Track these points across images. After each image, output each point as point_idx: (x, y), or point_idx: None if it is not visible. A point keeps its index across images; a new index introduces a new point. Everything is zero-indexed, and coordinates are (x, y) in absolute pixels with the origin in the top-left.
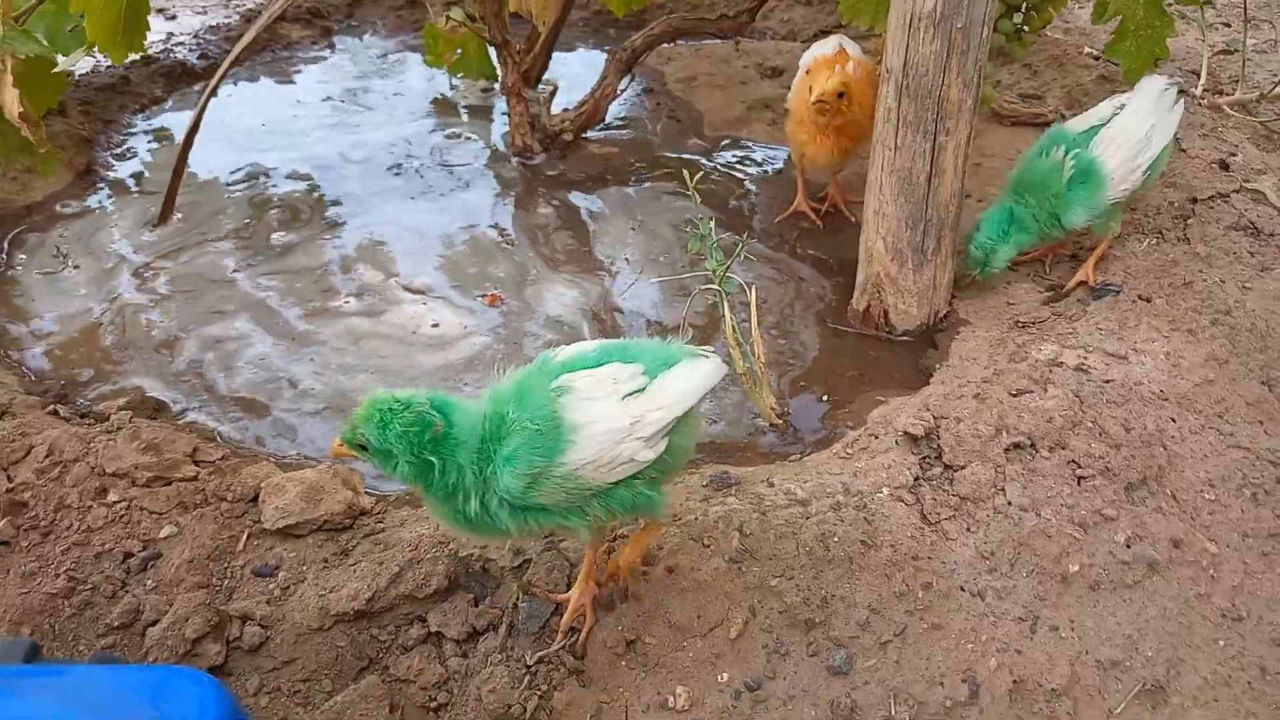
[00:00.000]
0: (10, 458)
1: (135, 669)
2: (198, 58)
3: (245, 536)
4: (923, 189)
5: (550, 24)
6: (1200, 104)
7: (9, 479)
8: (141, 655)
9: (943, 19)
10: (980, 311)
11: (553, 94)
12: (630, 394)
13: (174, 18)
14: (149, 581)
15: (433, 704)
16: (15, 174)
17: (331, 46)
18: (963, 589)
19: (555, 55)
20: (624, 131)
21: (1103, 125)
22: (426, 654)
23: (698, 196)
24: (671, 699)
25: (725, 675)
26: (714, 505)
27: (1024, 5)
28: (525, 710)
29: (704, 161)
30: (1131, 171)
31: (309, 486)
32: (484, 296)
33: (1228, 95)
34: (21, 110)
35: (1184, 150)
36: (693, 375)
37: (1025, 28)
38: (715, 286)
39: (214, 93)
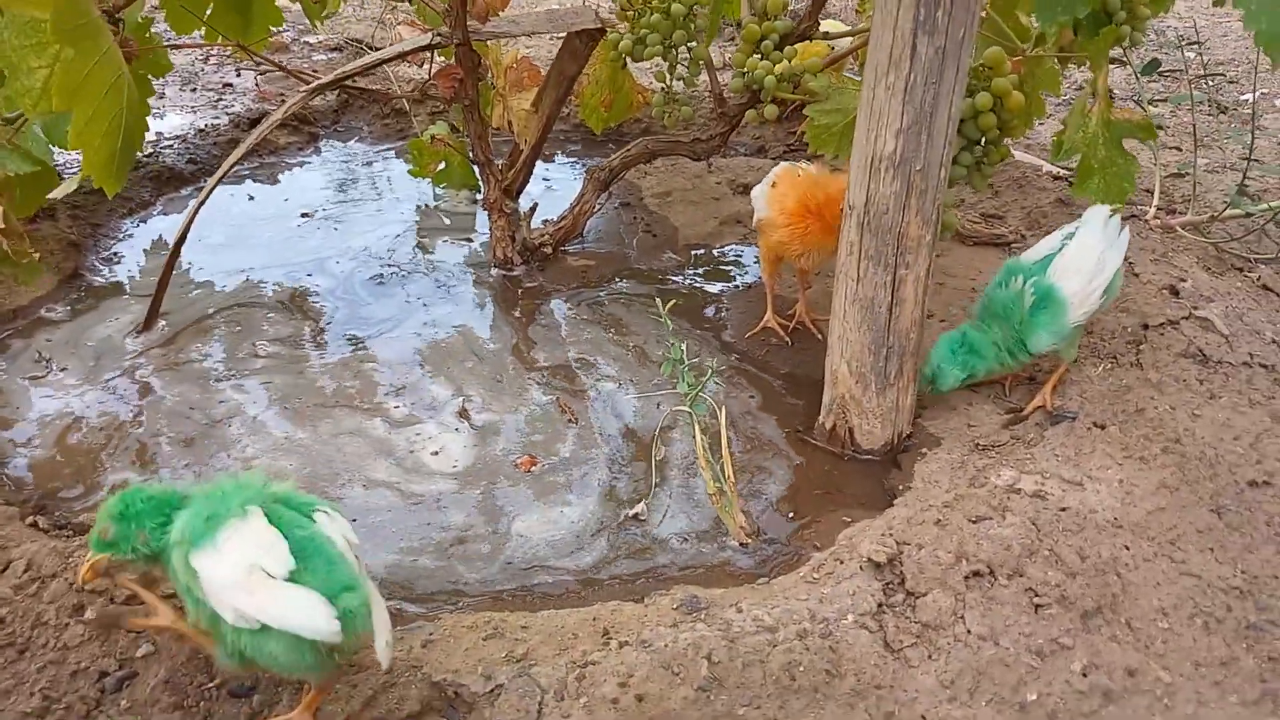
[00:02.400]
0: None
1: None
2: (186, 162)
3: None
4: (884, 317)
5: (532, 143)
6: (1153, 226)
7: None
8: None
9: (902, 161)
10: (943, 431)
11: (532, 210)
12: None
13: (162, 117)
14: (124, 701)
15: None
16: (1, 279)
17: (318, 151)
18: (924, 717)
19: (538, 163)
20: (601, 245)
21: (1055, 254)
22: None
23: (669, 322)
24: None
25: None
26: (683, 631)
27: (982, 140)
28: None
29: (675, 278)
30: (1089, 295)
31: None
32: (519, 461)
33: (1180, 216)
34: (3, 226)
35: (1137, 275)
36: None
37: (984, 161)
38: (687, 409)
39: (202, 204)
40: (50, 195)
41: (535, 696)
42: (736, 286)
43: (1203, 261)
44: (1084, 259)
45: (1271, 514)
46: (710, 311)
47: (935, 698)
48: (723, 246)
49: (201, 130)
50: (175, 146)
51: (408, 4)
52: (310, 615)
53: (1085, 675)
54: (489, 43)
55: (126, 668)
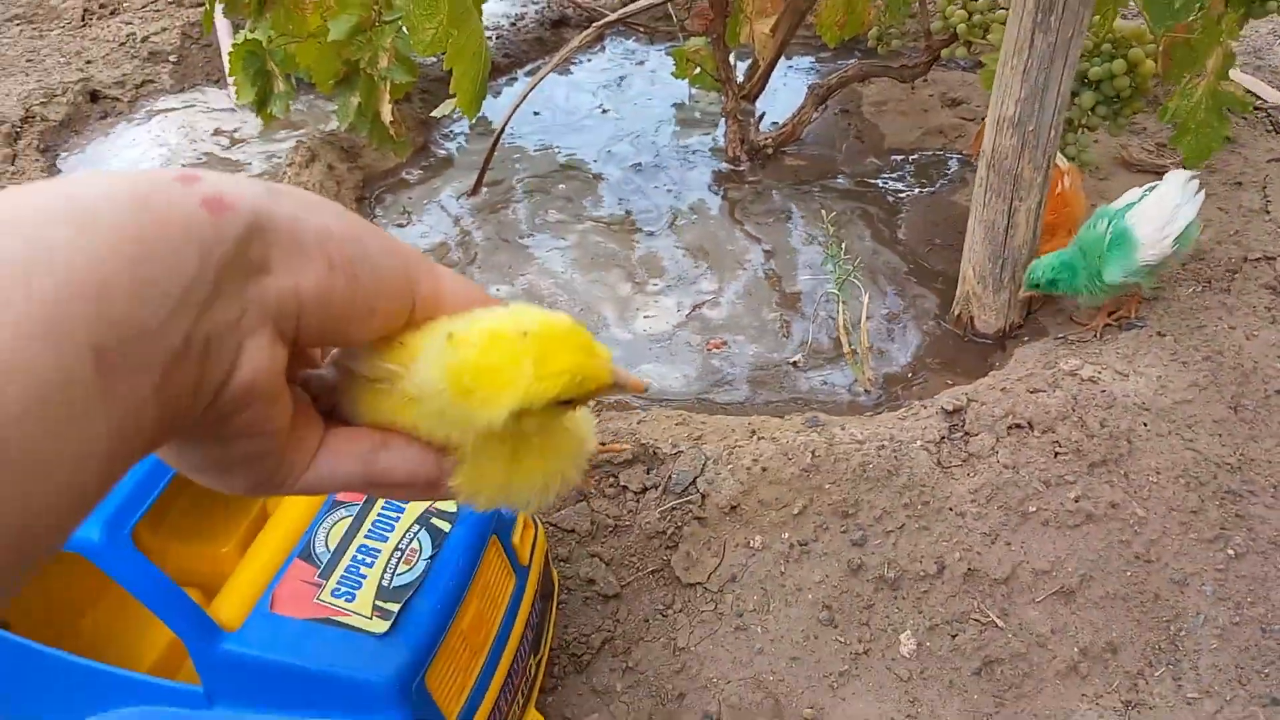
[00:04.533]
0: None
1: None
2: (502, 56)
3: None
4: (1001, 236)
5: (768, 60)
6: None
7: None
8: None
9: (1019, 122)
10: (1050, 326)
11: (760, 118)
12: None
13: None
14: None
15: (611, 526)
16: (376, 148)
17: (603, 49)
18: (950, 509)
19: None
20: (815, 148)
21: (1135, 203)
22: (615, 498)
23: (831, 228)
24: (752, 542)
25: (786, 535)
26: (800, 435)
27: (1116, 97)
28: (665, 533)
29: (872, 180)
30: (1159, 241)
31: None
32: (709, 343)
33: None
34: (393, 119)
35: (1269, 212)
36: None
37: (1120, 113)
38: (834, 290)
39: (520, 104)
40: (433, 113)
41: (700, 460)
42: (920, 190)
43: None
44: (1159, 209)
45: None
46: (891, 211)
47: (962, 499)
48: (920, 154)
49: (512, 24)
50: (492, 40)
51: None
52: None
53: (1077, 501)
54: None
55: None
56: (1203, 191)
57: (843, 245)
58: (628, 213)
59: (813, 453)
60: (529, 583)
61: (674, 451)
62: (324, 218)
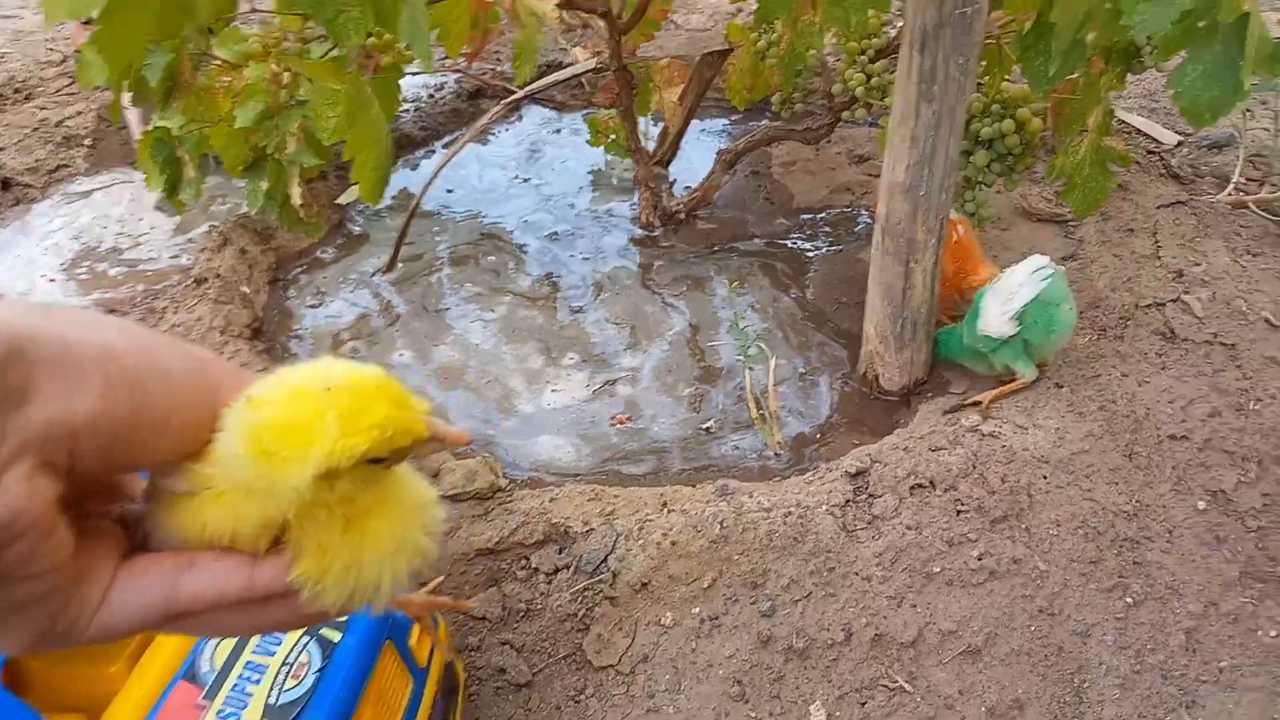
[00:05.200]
0: None
1: None
2: (419, 129)
3: None
4: (900, 296)
5: (677, 128)
6: (1225, 204)
7: None
8: None
9: (910, 188)
10: (954, 380)
11: (671, 184)
12: None
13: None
14: None
15: (523, 610)
16: (288, 230)
17: (521, 118)
18: (856, 574)
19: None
20: (726, 211)
21: (996, 280)
22: (526, 581)
23: (735, 295)
24: (663, 619)
25: (697, 609)
26: (710, 505)
27: (1008, 154)
28: (577, 615)
29: (781, 240)
30: (999, 315)
31: (468, 470)
32: (613, 418)
33: (1254, 194)
34: (303, 201)
35: (1159, 258)
36: None
37: (1013, 169)
38: (741, 358)
39: (431, 182)
40: (339, 200)
41: (611, 537)
42: (829, 249)
43: (1235, 247)
44: (1003, 286)
45: (1180, 460)
46: (800, 270)
47: (867, 563)
48: (828, 212)
49: (430, 96)
50: (410, 114)
51: (584, 30)
52: None
53: (980, 559)
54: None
55: None
56: (1054, 278)
57: (744, 313)
58: (545, 283)
59: (721, 523)
60: (428, 684)
61: (585, 530)
62: (105, 335)
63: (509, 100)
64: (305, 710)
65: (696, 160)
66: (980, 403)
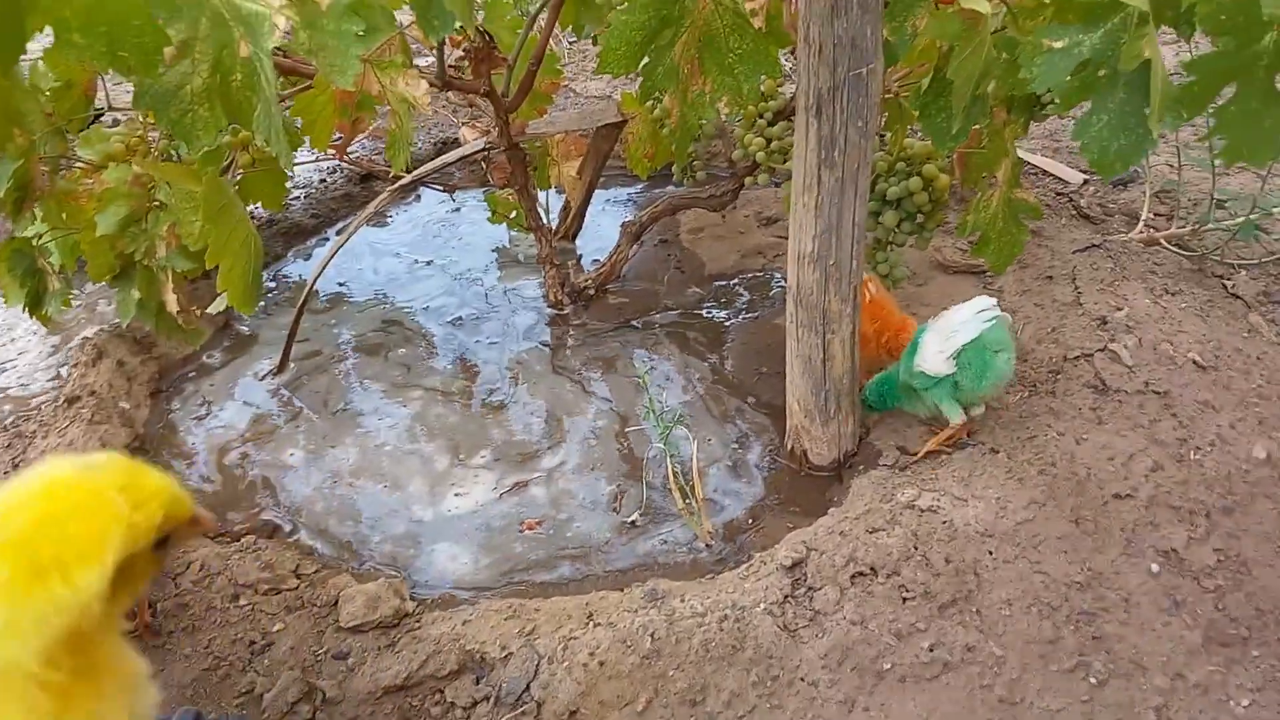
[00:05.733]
0: (176, 570)
1: None
2: (310, 216)
3: (328, 631)
4: (820, 369)
5: (577, 203)
6: (1138, 240)
7: (176, 586)
8: (260, 713)
9: (819, 258)
10: (885, 448)
11: (578, 261)
12: None
13: (291, 177)
14: (265, 661)
15: None
16: (175, 342)
17: (419, 198)
18: (802, 679)
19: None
20: (637, 283)
21: (936, 318)
22: (442, 717)
23: (646, 380)
24: None
25: None
26: (639, 616)
27: (918, 212)
28: None
29: (696, 310)
30: (935, 353)
31: (370, 596)
32: (522, 524)
33: (1164, 230)
34: (180, 308)
35: (1081, 304)
36: None
37: (924, 227)
38: (661, 446)
39: (320, 273)
40: (209, 309)
41: (533, 661)
42: (744, 316)
43: (1153, 287)
44: (943, 324)
45: (1127, 521)
46: (717, 341)
47: (813, 665)
48: (741, 278)
49: (321, 181)
50: (300, 200)
51: (469, 109)
52: None
53: (931, 650)
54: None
55: (266, 638)
56: (996, 323)
57: (662, 394)
58: (452, 373)
59: (652, 635)
60: None
61: (503, 654)
62: None
63: (396, 186)
64: None
65: (605, 231)
66: (954, 438)
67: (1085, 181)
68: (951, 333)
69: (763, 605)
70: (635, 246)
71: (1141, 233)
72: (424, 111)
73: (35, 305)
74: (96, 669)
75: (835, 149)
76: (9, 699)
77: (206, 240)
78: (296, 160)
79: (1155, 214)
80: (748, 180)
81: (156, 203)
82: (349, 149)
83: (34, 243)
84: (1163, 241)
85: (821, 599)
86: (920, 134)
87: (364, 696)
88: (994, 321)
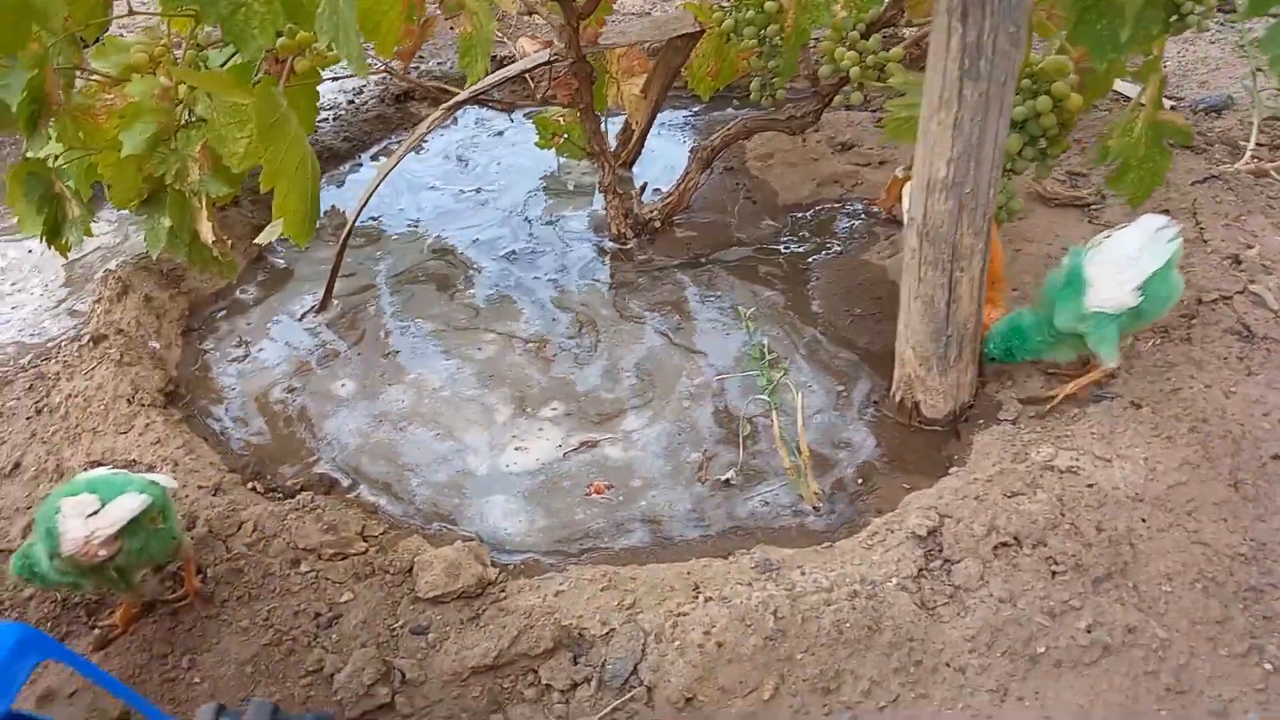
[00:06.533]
0: (226, 531)
1: None
2: (342, 140)
3: (403, 602)
4: (943, 312)
5: (642, 124)
6: (1244, 171)
7: (227, 549)
8: (332, 694)
9: (954, 185)
10: (1005, 401)
11: (643, 189)
12: (92, 514)
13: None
14: (334, 636)
15: None
16: (201, 272)
17: (455, 122)
18: (948, 665)
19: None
20: (705, 215)
21: (1098, 245)
22: (537, 702)
23: (751, 325)
24: None
25: None
26: (756, 590)
27: (1042, 136)
28: None
29: (772, 245)
30: (1114, 286)
31: (450, 563)
32: (590, 487)
33: (1273, 161)
34: (214, 238)
35: (1206, 241)
36: (128, 503)
37: (1046, 153)
38: (765, 398)
39: (366, 203)
40: (258, 240)
41: (639, 640)
42: (827, 252)
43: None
44: (1117, 252)
45: None
46: (800, 279)
47: (958, 649)
48: (818, 209)
49: (350, 102)
50: (330, 124)
51: (528, 17)
52: (134, 500)
53: (1089, 631)
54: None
55: (334, 610)
56: (1177, 241)
57: (765, 344)
58: (506, 314)
59: (775, 614)
60: None
61: (604, 631)
62: None
63: (452, 103)
64: None
65: (661, 162)
66: (1056, 397)
67: (1173, 107)
68: (1129, 260)
69: (895, 580)
70: (705, 174)
71: (1248, 163)
72: (509, 10)
73: (54, 233)
74: None
75: (981, 58)
76: None
77: (254, 161)
78: (325, 77)
79: (1257, 143)
80: (837, 100)
81: (187, 120)
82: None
83: (49, 165)
84: (1273, 173)
85: (962, 573)
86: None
87: (448, 677)
88: (1177, 240)
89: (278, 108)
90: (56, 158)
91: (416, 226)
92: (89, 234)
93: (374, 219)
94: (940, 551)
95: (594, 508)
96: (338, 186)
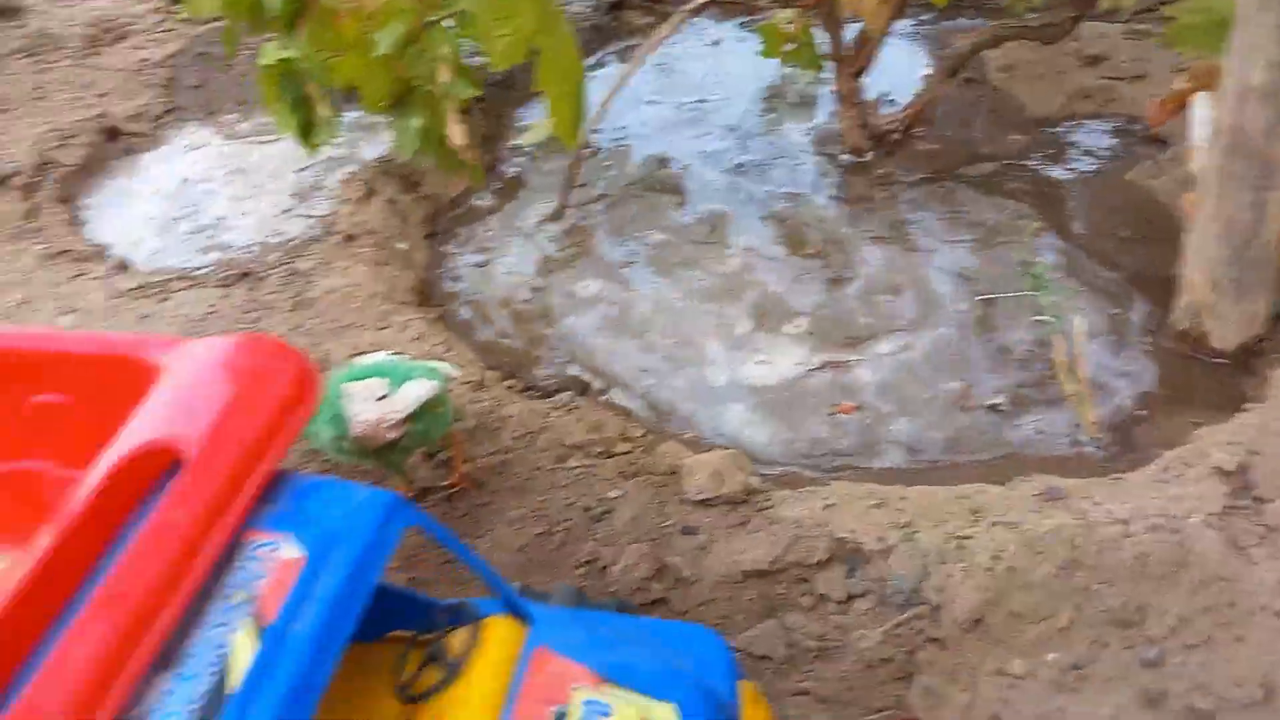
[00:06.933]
0: (493, 425)
1: (660, 621)
2: None
3: (670, 503)
4: (1247, 233)
5: (880, 31)
6: None
7: (496, 443)
8: (606, 587)
9: (1272, 93)
10: None
11: (879, 100)
12: (381, 397)
13: None
14: (602, 531)
15: (816, 649)
16: (447, 176)
17: (676, 29)
18: (1263, 608)
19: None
20: (947, 128)
21: None
22: (812, 610)
23: (1032, 239)
24: (1009, 668)
25: (1054, 656)
26: (1045, 518)
27: None
28: (892, 660)
29: (1022, 163)
30: None
31: (714, 469)
32: (836, 406)
33: None
34: (464, 141)
35: None
36: (417, 389)
37: None
38: (1047, 317)
39: (608, 104)
40: (523, 140)
41: (919, 559)
42: (1084, 169)
43: None
44: None
45: None
46: (1056, 199)
47: (1274, 593)
48: (1070, 124)
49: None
50: None
51: None
52: (424, 386)
53: None
54: None
55: (603, 505)
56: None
57: (1049, 264)
58: (742, 227)
59: (1072, 543)
60: None
61: (881, 548)
62: None
63: (686, 10)
64: None
65: (890, 70)
66: None
67: None
68: None
69: (1199, 516)
70: (948, 84)
71: None
72: None
73: (306, 134)
74: None
75: None
76: None
77: (521, 53)
78: None
79: None
80: (1103, 4)
81: (438, 19)
82: None
83: (300, 64)
84: None
85: (1275, 513)
86: None
87: (721, 578)
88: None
89: (551, 2)
90: (301, 59)
91: (642, 139)
92: (335, 135)
93: (597, 132)
94: (1249, 490)
95: (841, 427)
96: None
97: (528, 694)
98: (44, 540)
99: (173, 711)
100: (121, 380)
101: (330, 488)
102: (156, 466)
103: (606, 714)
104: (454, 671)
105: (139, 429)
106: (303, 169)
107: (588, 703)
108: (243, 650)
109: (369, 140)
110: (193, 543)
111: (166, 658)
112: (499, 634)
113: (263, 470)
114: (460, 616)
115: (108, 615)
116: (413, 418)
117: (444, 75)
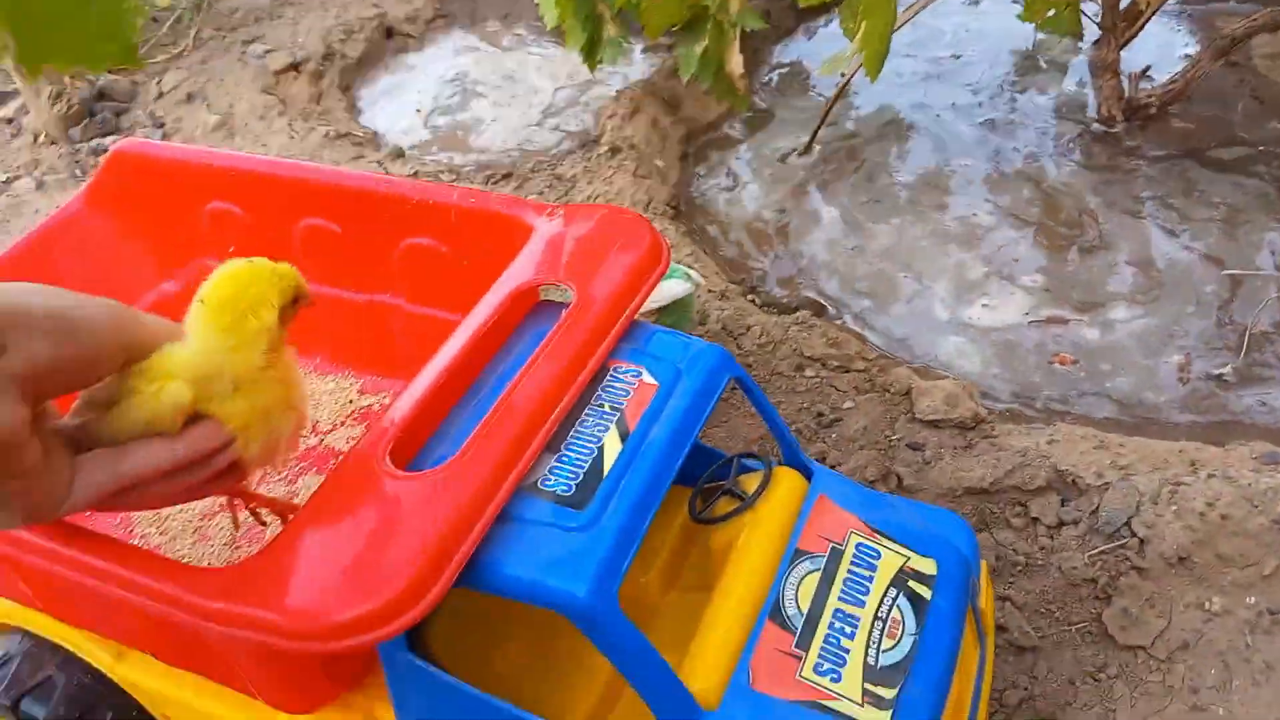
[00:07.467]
0: (736, 330)
1: (915, 501)
2: None
3: (900, 420)
4: None
5: (1156, 3)
6: None
7: (738, 346)
8: None
9: None
10: None
11: (1144, 72)
12: None
13: None
14: (833, 436)
15: (1022, 564)
16: (719, 101)
17: None
18: None
19: None
20: (1203, 108)
21: None
22: (1023, 531)
23: None
24: (1208, 604)
25: (1253, 599)
26: (1264, 476)
27: None
28: (1094, 582)
29: (1273, 153)
30: None
31: (948, 394)
32: (1055, 356)
33: None
34: (740, 71)
35: None
36: (672, 287)
37: None
38: None
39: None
40: (821, 71)
41: (1134, 497)
42: None
43: None
44: None
45: None
46: None
47: None
48: None
49: None
50: None
51: None
52: None
53: None
54: None
55: (835, 413)
56: None
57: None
58: (986, 180)
59: None
60: (988, 651)
61: (1099, 483)
62: (52, 301)
63: None
64: (910, 679)
65: (1148, 45)
66: None
67: None
68: None
69: None
70: (1217, 64)
71: None
72: None
73: (591, 52)
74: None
75: None
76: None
77: None
78: None
79: None
80: None
81: None
82: None
83: None
84: None
85: None
86: None
87: (943, 490)
88: None
89: None
90: None
91: (894, 87)
92: (618, 58)
93: (841, 74)
94: None
95: (1061, 377)
96: (808, 39)
97: (810, 529)
98: (446, 353)
99: (560, 482)
100: (495, 234)
101: (675, 336)
102: (533, 304)
103: (877, 556)
104: (748, 503)
105: (519, 274)
106: (560, 87)
107: (860, 545)
108: (611, 446)
109: (626, 65)
110: (577, 362)
111: (554, 444)
112: (787, 481)
113: (627, 314)
114: (755, 463)
115: (517, 407)
116: (664, 310)
117: (735, 6)
